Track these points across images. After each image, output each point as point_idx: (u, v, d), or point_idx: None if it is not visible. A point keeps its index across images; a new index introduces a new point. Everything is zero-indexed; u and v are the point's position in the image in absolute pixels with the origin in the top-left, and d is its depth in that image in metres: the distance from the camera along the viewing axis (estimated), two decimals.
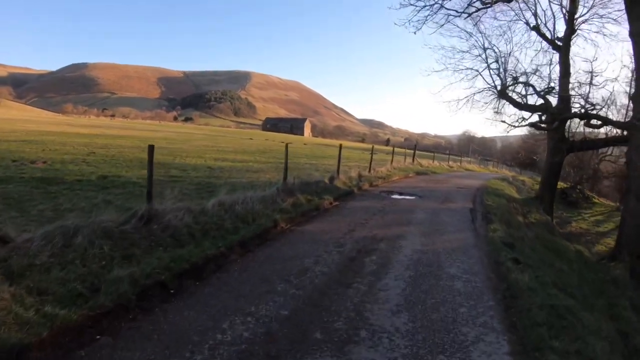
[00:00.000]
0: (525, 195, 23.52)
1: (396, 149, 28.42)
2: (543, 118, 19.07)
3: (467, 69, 20.11)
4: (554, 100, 18.69)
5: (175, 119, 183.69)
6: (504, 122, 18.54)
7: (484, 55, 19.23)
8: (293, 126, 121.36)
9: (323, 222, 7.80)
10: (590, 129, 18.78)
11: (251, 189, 9.02)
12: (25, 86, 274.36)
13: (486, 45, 19.39)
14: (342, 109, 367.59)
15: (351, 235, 6.79)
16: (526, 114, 20.31)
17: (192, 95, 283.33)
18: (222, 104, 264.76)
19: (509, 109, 22.68)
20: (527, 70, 19.42)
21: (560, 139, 18.23)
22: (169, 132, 43.24)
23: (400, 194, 12.52)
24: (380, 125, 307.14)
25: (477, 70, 19.98)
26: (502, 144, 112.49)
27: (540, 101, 19.37)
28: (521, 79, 19.52)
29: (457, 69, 20.21)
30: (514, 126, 18.52)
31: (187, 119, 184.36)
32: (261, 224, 7.03)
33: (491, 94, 20.30)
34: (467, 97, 20.59)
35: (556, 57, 18.49)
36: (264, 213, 7.59)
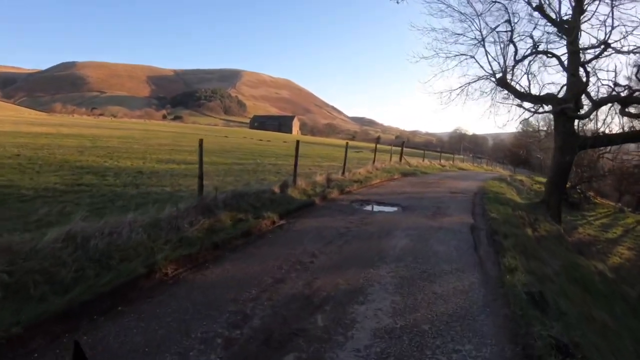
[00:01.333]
0: (526, 198, 20.95)
1: (384, 147, 25.55)
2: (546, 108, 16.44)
3: (461, 54, 17.40)
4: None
5: (164, 117, 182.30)
6: (520, 107, 15.71)
7: (480, 38, 16.51)
8: (281, 124, 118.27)
9: (243, 259, 4.92)
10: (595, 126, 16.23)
11: (163, 202, 6.15)
12: (14, 85, 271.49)
13: (483, 27, 16.67)
14: (333, 107, 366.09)
15: (274, 292, 3.93)
16: (528, 105, 17.70)
17: (182, 94, 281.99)
18: (212, 102, 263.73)
19: (507, 101, 19.96)
20: (529, 55, 16.70)
21: (570, 135, 15.55)
22: (137, 129, 40.00)
23: (379, 203, 9.68)
24: (371, 123, 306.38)
25: (473, 56, 17.27)
26: (494, 141, 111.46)
27: (546, 90, 16.67)
28: (523, 65, 16.86)
29: (449, 55, 17.47)
30: (532, 111, 15.79)
31: (176, 118, 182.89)
32: (129, 269, 4.18)
33: (488, 83, 17.66)
34: (460, 87, 17.94)
35: (563, 42, 15.83)
36: (146, 248, 4.72)
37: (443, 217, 8.42)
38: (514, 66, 16.46)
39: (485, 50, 16.71)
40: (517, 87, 16.90)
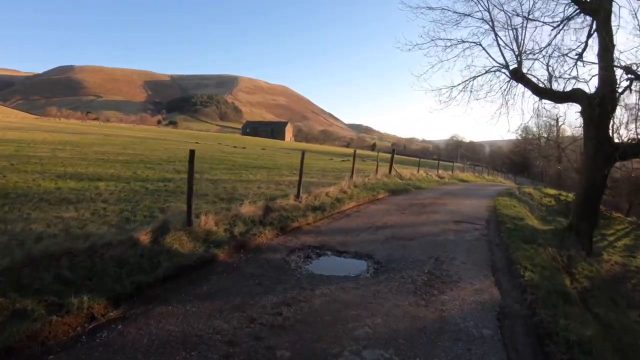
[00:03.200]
0: (542, 219, 17.27)
1: (373, 155, 21.79)
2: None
3: (465, 42, 13.80)
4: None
5: (158, 122, 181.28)
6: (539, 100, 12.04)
7: (489, 19, 12.93)
8: (274, 130, 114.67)
9: None
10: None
11: None
12: (10, 89, 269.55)
13: (492, 7, 13.07)
14: (330, 114, 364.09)
15: None
16: (548, 104, 14.10)
17: (177, 99, 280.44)
18: (208, 107, 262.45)
19: (523, 99, 16.20)
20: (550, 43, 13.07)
21: (605, 141, 11.91)
22: (101, 134, 36.12)
23: (339, 253, 5.94)
24: (367, 130, 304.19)
25: (479, 44, 13.66)
26: (491, 148, 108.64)
27: (571, 84, 13.01)
28: (542, 56, 13.23)
29: (449, 43, 13.85)
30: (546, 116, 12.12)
31: (170, 123, 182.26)
32: None
33: (498, 78, 14.08)
34: (464, 82, 14.27)
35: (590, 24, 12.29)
36: None
37: (445, 289, 4.64)
38: (531, 55, 12.83)
39: (496, 35, 13.09)
40: (535, 81, 13.32)
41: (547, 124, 60.19)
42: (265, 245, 5.95)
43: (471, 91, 14.37)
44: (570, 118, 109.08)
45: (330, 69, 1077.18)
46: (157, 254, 5.06)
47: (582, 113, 12.68)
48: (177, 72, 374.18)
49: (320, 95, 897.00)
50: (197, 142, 33.56)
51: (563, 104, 13.77)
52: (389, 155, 18.53)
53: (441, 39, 13.82)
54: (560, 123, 55.39)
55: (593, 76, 12.55)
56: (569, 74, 13.15)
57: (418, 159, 25.11)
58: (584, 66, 13.53)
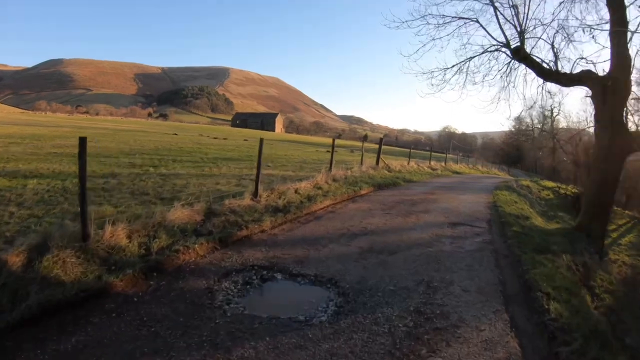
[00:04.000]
0: (543, 214, 15.84)
1: (361, 145, 20.12)
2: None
3: (460, 18, 12.15)
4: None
5: (149, 115, 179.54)
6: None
7: None
8: (264, 122, 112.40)
9: None
10: None
11: None
12: (0, 83, 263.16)
13: None
14: (322, 106, 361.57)
15: None
16: (554, 87, 12.55)
17: (168, 92, 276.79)
18: (199, 100, 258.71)
19: (525, 83, 14.58)
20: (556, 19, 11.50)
21: (620, 129, 10.41)
22: (73, 126, 34.00)
23: (294, 277, 4.31)
24: (359, 121, 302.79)
25: (477, 20, 12.02)
26: (483, 139, 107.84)
27: (580, 67, 11.42)
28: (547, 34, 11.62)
29: (443, 19, 12.19)
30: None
31: (161, 116, 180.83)
32: None
33: (498, 58, 12.53)
34: (459, 63, 12.67)
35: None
36: None
37: (438, 343, 3.03)
38: (535, 33, 11.26)
39: (495, 10, 11.45)
40: (539, 62, 11.75)
41: (542, 114, 59.20)
42: (190, 267, 4.30)
43: (467, 73, 12.78)
44: (565, 109, 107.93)
45: (323, 60, 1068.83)
46: (28, 283, 3.50)
47: (593, 98, 11.15)
48: (168, 65, 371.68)
49: (313, 87, 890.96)
50: (175, 134, 31.65)
51: (569, 87, 12.16)
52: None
53: (433, 15, 12.13)
54: (555, 114, 54.32)
55: (605, 61, 11.04)
56: (577, 55, 11.57)
57: (409, 150, 23.49)
58: (596, 41, 12.02)
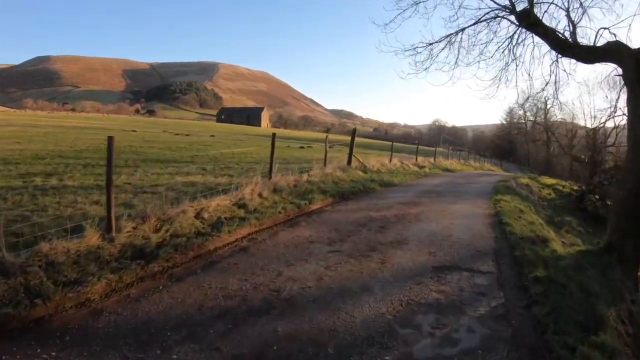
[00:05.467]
0: (546, 218, 13.23)
1: (345, 140, 17.11)
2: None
3: None
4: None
5: (136, 111, 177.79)
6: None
7: None
8: (250, 116, 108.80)
9: None
10: None
11: None
12: None
13: None
14: (311, 100, 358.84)
15: None
16: (570, 64, 9.78)
17: (156, 87, 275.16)
18: (187, 95, 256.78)
19: (532, 60, 11.50)
20: None
21: None
22: (26, 125, 30.59)
23: None
24: (349, 115, 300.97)
25: None
26: (474, 133, 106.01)
27: (603, 39, 8.50)
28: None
29: None
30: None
31: (148, 112, 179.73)
32: None
33: (498, 30, 9.86)
34: (447, 36, 9.85)
35: None
36: None
37: None
38: None
39: None
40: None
41: (534, 107, 56.59)
42: None
43: (459, 50, 9.91)
44: (561, 99, 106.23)
45: (313, 54, 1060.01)
46: None
47: (625, 78, 8.29)
48: (157, 60, 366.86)
49: (302, 80, 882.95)
50: (134, 131, 28.38)
51: (594, 64, 9.22)
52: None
53: None
54: (549, 106, 51.70)
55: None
56: (593, 26, 8.68)
57: (390, 143, 20.43)
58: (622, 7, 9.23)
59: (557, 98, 9.52)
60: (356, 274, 4.26)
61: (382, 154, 20.37)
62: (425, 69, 10.20)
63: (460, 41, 9.75)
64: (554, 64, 9.29)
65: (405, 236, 5.73)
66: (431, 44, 9.97)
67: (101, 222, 4.64)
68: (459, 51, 9.82)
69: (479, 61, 9.99)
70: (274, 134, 8.30)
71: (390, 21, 10.29)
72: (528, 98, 9.65)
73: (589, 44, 8.67)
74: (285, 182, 7.98)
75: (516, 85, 9.43)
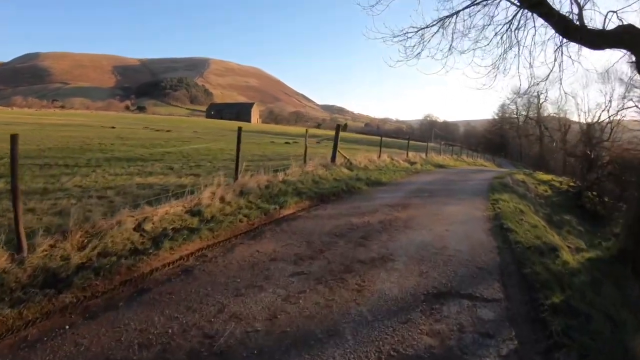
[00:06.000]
0: (545, 218, 12.44)
1: (326, 134, 15.98)
2: None
3: None
4: None
5: (127, 108, 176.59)
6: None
7: None
8: (239, 112, 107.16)
9: None
10: None
11: None
12: None
13: None
14: (303, 96, 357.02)
15: None
16: (580, 51, 8.89)
17: (147, 84, 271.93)
18: (178, 91, 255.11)
19: (533, 45, 10.50)
20: None
21: None
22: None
23: None
24: (341, 110, 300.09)
25: None
26: (465, 128, 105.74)
27: (612, 24, 7.58)
28: None
29: None
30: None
31: (138, 108, 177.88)
32: None
33: (496, 13, 9.06)
34: (440, 20, 8.95)
35: None
36: None
37: None
38: None
39: None
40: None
41: (527, 101, 55.91)
42: None
43: (453, 34, 8.98)
44: (552, 95, 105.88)
45: (305, 50, 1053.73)
46: None
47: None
48: (148, 56, 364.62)
49: (294, 77, 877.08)
50: (113, 127, 27.05)
51: (602, 50, 8.26)
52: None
53: None
54: (541, 100, 51.01)
55: None
56: (598, 9, 7.82)
57: (379, 137, 19.43)
58: None
59: (561, 86, 8.57)
60: (323, 308, 3.24)
61: (372, 149, 19.39)
62: (417, 55, 9.21)
63: (455, 24, 8.79)
64: (558, 50, 8.35)
65: (390, 250, 4.72)
66: (422, 28, 8.99)
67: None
68: (452, 37, 8.86)
69: (474, 49, 9.02)
70: (239, 128, 7.22)
71: (377, 2, 9.29)
72: (529, 88, 8.63)
73: (596, 27, 7.77)
74: (255, 182, 6.93)
75: (519, 73, 8.46)
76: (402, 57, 9.07)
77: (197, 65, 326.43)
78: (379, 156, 14.58)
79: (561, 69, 8.39)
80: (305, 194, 7.17)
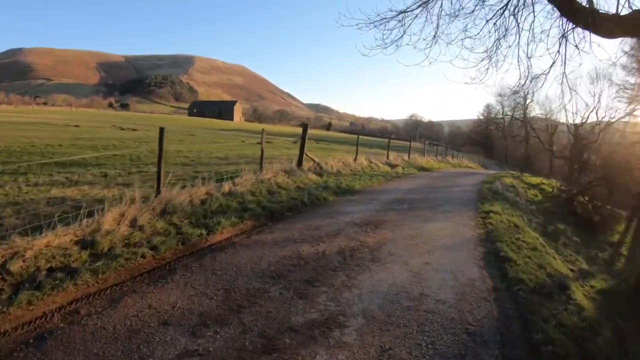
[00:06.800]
0: (537, 229, 11.26)
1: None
2: None
3: None
4: None
5: (110, 105, 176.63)
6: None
7: None
8: (222, 110, 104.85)
9: None
10: None
11: None
12: None
13: None
14: (288, 94, 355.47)
15: None
16: (590, 40, 7.41)
17: (131, 81, 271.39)
18: (162, 88, 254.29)
19: (531, 33, 9.15)
20: None
21: None
22: None
23: None
24: (326, 109, 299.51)
25: None
26: (450, 128, 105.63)
27: (625, 9, 6.22)
28: None
29: None
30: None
31: (122, 105, 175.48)
32: None
33: None
34: (423, 2, 7.43)
35: None
36: None
37: None
38: None
39: None
40: None
41: (514, 101, 55.25)
42: None
43: (439, 18, 7.52)
44: (539, 95, 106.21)
45: (291, 49, 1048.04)
46: None
47: None
48: (132, 53, 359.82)
49: (280, 75, 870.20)
50: (77, 126, 25.11)
51: (613, 39, 6.93)
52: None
53: None
54: (528, 100, 50.33)
55: None
56: None
57: (357, 136, 18.00)
58: None
59: (565, 81, 7.20)
60: None
61: (354, 149, 18.01)
62: (395, 41, 7.78)
63: (441, 10, 7.38)
64: (562, 37, 7.01)
65: (343, 305, 3.26)
66: (403, 12, 7.56)
67: None
68: (438, 21, 7.45)
69: (462, 38, 7.59)
70: (161, 128, 5.69)
71: None
72: (525, 82, 7.18)
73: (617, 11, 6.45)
74: (187, 197, 5.41)
75: (518, 64, 7.06)
76: (379, 43, 7.64)
77: (182, 63, 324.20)
78: (355, 158, 13.17)
79: (565, 61, 7.04)
80: (252, 210, 5.68)
